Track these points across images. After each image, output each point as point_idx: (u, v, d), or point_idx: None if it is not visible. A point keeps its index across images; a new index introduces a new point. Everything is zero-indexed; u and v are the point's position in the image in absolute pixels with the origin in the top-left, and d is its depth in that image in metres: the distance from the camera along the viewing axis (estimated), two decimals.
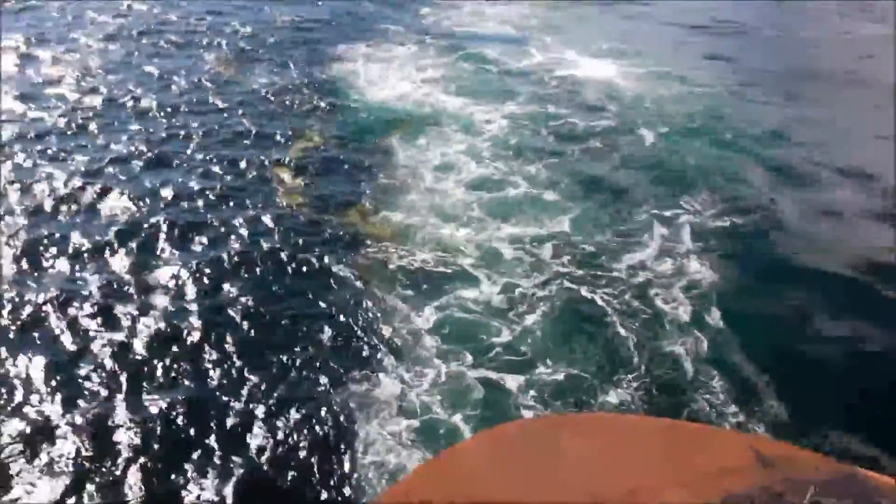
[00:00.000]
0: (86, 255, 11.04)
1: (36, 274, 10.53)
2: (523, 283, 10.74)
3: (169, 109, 16.82)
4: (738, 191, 14.59)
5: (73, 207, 12.32)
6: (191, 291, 10.42)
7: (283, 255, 11.36)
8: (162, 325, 9.67)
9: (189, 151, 14.79)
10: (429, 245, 11.59)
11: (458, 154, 14.94)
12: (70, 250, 11.09)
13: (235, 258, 11.28)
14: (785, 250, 12.71)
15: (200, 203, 12.81)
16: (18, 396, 8.46)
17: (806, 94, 22.89)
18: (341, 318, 10.03)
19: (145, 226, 11.97)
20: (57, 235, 11.42)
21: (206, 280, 10.73)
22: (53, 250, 11.06)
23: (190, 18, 26.14)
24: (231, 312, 10.02)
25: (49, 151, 14.20)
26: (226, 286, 10.61)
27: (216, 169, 14.16)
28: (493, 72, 21.67)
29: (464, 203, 12.90)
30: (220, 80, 19.28)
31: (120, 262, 10.94)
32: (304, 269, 11.10)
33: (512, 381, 8.98)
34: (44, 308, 9.78)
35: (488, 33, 27.42)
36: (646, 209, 13.29)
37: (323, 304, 10.28)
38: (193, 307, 10.09)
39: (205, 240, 11.71)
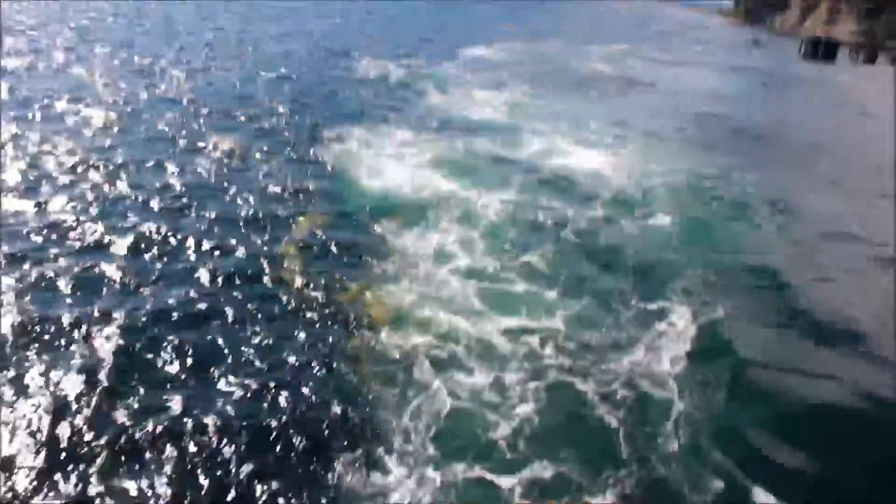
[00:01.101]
0: (77, 328, 10.94)
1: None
2: (517, 375, 10.69)
3: (168, 185, 17.04)
4: (726, 285, 14.79)
5: (63, 294, 12.16)
6: (182, 362, 10.38)
7: (278, 332, 11.36)
8: (147, 398, 9.57)
9: (190, 226, 14.95)
10: (423, 331, 11.56)
11: (454, 242, 15.07)
12: (57, 332, 10.98)
13: (233, 329, 11.33)
14: (776, 345, 12.88)
15: (206, 285, 12.80)
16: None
17: (795, 185, 23.70)
18: (330, 399, 9.93)
19: (142, 295, 12.02)
20: (50, 311, 11.37)
21: (201, 350, 10.70)
22: (43, 328, 11.01)
23: (188, 94, 26.91)
24: (222, 385, 9.96)
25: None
26: (220, 357, 10.59)
27: (219, 242, 14.30)
28: (487, 159, 22.18)
29: (459, 292, 12.95)
30: (220, 156, 19.65)
31: (119, 334, 10.90)
32: (298, 345, 11.09)
33: (503, 478, 8.82)
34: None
35: (481, 119, 28.30)
36: (637, 302, 13.42)
37: (313, 384, 10.21)
38: (183, 378, 10.06)
39: (204, 309, 11.78)
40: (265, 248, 14.32)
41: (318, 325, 11.74)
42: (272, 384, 10.15)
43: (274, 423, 9.43)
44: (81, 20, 43.51)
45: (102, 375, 9.98)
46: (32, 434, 8.84)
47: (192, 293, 12.36)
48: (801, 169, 27.26)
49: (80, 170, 17.55)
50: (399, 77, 36.61)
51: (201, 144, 20.70)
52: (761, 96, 49.74)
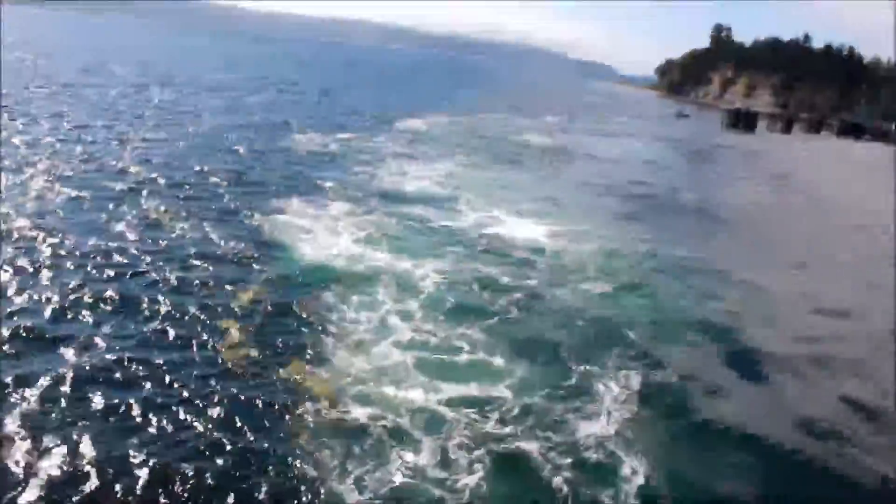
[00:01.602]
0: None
1: None
2: (462, 446, 10.51)
3: (110, 259, 16.56)
4: (664, 346, 15.13)
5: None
6: (104, 429, 10.07)
7: (212, 401, 11.06)
8: (68, 466, 9.20)
9: (132, 302, 14.44)
10: (365, 404, 11.32)
11: (394, 314, 14.97)
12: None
13: (163, 397, 11.05)
14: (718, 403, 13.08)
15: (143, 352, 12.41)
16: None
17: (721, 250, 24.60)
18: (267, 473, 9.58)
19: (67, 358, 11.78)
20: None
21: (125, 417, 10.39)
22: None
23: (122, 165, 26.58)
24: (142, 456, 9.59)
25: None
26: (145, 427, 10.27)
27: (155, 309, 14.00)
28: (424, 230, 22.35)
29: (400, 364, 12.78)
30: (160, 230, 19.29)
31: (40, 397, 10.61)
32: (233, 417, 10.73)
33: None
34: None
35: (417, 191, 28.57)
36: (580, 366, 13.51)
37: (249, 457, 9.87)
38: (105, 446, 9.71)
39: (144, 390, 11.24)
40: (203, 318, 13.98)
41: (256, 398, 11.37)
42: (203, 456, 9.80)
43: (210, 495, 9.04)
44: (8, 90, 42.86)
45: (23, 439, 9.63)
46: None
47: (119, 357, 12.04)
48: (725, 234, 28.38)
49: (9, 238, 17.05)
50: (335, 149, 36.85)
51: (138, 215, 20.37)
52: (686, 164, 51.91)
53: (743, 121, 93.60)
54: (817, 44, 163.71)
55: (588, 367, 13.58)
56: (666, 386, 13.37)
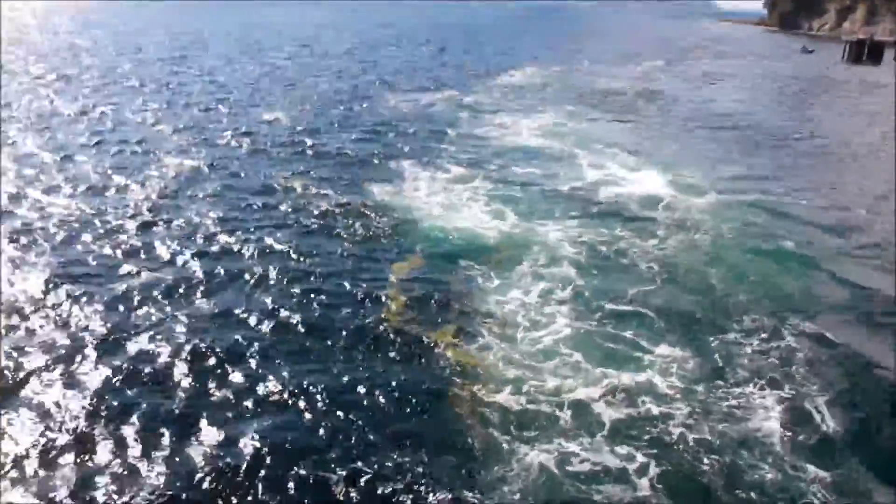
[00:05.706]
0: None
1: None
2: (614, 433, 9.85)
3: (256, 233, 17.48)
4: (804, 313, 13.96)
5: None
6: (289, 405, 10.57)
7: (379, 380, 11.21)
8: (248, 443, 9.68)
9: (289, 270, 15.32)
10: (516, 385, 10.92)
11: (536, 289, 14.37)
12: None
13: (333, 352, 12.07)
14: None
15: (308, 316, 13.27)
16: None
17: (847, 196, 22.74)
18: (429, 449, 9.61)
19: (242, 324, 12.90)
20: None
21: (299, 372, 11.15)
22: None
23: (233, 142, 27.36)
24: (329, 420, 10.20)
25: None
26: (326, 391, 10.84)
27: (316, 291, 14.36)
28: (543, 192, 21.65)
29: (548, 344, 12.20)
30: (287, 201, 19.94)
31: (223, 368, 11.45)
32: (397, 394, 10.84)
33: None
34: None
35: (525, 147, 27.84)
36: (725, 342, 12.64)
37: (413, 434, 9.97)
38: (291, 419, 10.27)
39: (315, 349, 12.16)
40: (362, 285, 14.56)
41: (413, 374, 11.48)
42: (366, 417, 10.31)
43: (376, 454, 9.49)
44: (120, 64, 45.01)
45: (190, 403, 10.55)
46: None
47: (297, 319, 13.10)
48: (855, 177, 25.87)
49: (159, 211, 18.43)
50: (438, 108, 36.33)
51: (265, 184, 21.67)
52: (805, 104, 48.03)
53: (868, 52, 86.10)
54: None
55: (737, 341, 12.72)
56: (827, 360, 12.21)
